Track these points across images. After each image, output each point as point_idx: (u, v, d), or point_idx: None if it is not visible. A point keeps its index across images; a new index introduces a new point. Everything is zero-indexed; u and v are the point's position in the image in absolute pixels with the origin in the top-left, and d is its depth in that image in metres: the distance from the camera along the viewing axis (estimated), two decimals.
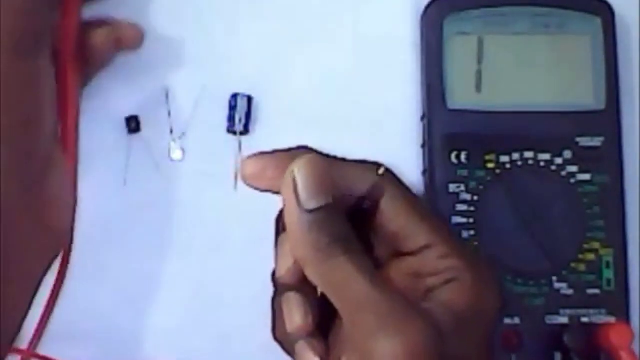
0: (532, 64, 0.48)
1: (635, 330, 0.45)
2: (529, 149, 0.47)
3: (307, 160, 0.33)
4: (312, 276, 0.33)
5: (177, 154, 0.47)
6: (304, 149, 0.35)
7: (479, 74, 0.48)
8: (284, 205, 0.33)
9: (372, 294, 0.31)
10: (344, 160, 0.36)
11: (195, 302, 0.47)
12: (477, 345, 0.32)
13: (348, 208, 0.34)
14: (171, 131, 0.47)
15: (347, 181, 0.34)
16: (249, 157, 0.36)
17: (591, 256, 0.47)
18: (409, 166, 0.48)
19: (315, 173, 0.33)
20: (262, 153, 0.36)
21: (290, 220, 0.33)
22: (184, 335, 0.47)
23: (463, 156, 0.47)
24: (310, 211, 0.32)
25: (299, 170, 0.33)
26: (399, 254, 0.35)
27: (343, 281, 0.31)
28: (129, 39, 0.42)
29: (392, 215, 0.34)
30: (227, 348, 0.47)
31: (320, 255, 0.32)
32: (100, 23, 0.41)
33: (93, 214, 0.46)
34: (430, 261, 0.33)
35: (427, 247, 0.33)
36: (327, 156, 0.35)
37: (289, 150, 0.35)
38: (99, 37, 0.41)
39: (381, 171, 0.34)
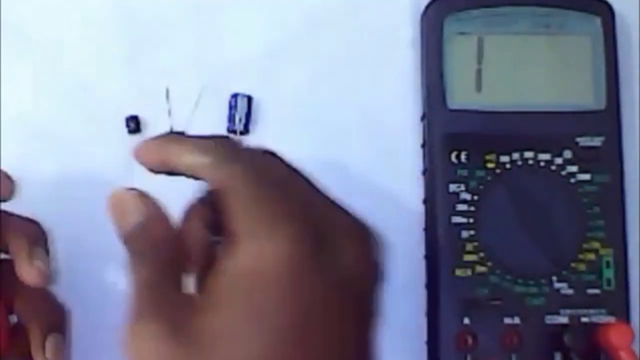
0: (532, 64, 0.48)
1: (635, 330, 0.45)
2: (529, 149, 0.47)
3: (114, 195, 0.35)
4: None
5: None
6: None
7: (479, 74, 0.48)
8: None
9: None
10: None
11: None
12: (249, 313, 0.31)
13: None
14: (171, 131, 0.46)
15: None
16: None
17: (591, 256, 0.47)
18: (409, 166, 0.48)
19: (124, 201, 0.35)
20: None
21: None
22: None
23: (463, 156, 0.47)
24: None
25: (110, 203, 0.35)
26: None
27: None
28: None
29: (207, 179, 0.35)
30: None
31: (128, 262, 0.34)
32: None
33: (93, 214, 0.46)
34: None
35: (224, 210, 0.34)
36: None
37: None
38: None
39: None
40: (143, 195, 0.35)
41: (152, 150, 0.36)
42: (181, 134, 0.40)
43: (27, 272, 0.39)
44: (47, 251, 0.40)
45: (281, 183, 0.34)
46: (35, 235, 0.40)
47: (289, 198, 0.33)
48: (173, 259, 0.34)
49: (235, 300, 0.31)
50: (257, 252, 0.31)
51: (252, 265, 0.31)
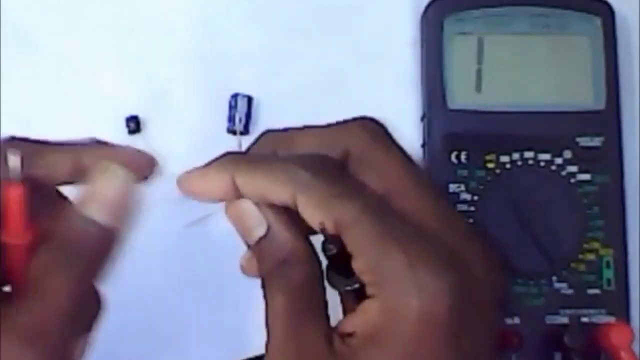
0: (532, 64, 0.48)
1: (635, 330, 0.45)
2: (529, 149, 0.47)
3: (230, 208, 0.33)
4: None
5: None
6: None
7: (479, 74, 0.48)
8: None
9: (276, 326, 0.31)
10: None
11: (195, 300, 0.47)
12: None
13: None
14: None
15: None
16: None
17: (591, 256, 0.47)
18: None
19: (241, 215, 0.33)
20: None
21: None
22: (184, 331, 0.47)
23: (463, 156, 0.47)
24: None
25: (230, 219, 0.33)
26: None
27: (266, 307, 0.32)
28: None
29: (315, 223, 0.31)
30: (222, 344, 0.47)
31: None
32: None
33: None
34: (356, 272, 0.31)
35: (351, 256, 0.31)
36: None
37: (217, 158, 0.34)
38: None
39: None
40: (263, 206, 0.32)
41: (221, 179, 0.32)
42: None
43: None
44: None
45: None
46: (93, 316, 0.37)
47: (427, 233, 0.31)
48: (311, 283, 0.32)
49: (392, 345, 0.29)
50: (397, 307, 0.29)
51: (394, 321, 0.29)
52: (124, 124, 0.48)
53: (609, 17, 0.48)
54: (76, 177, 0.34)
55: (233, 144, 0.48)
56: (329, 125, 0.34)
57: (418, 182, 0.32)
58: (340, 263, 0.31)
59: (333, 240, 0.30)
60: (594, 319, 0.46)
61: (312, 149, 0.33)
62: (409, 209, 0.31)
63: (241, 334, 0.47)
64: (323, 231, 0.30)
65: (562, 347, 0.45)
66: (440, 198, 0.33)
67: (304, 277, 0.32)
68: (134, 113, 0.48)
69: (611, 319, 0.46)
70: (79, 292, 0.32)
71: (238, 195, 0.32)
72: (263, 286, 0.32)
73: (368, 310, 0.30)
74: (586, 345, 0.45)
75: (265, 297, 0.32)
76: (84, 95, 0.49)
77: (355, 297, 0.31)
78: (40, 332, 0.30)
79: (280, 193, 0.31)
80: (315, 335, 0.31)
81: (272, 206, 0.32)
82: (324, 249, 0.31)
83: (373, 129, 0.34)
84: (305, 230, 0.32)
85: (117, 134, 0.48)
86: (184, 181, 0.34)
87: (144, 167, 0.35)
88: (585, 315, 0.46)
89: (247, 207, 0.32)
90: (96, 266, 0.33)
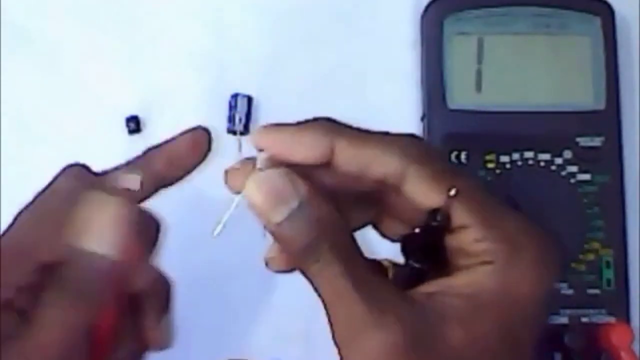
0: (532, 64, 0.48)
1: (635, 330, 0.45)
2: (529, 149, 0.47)
3: (255, 179, 0.31)
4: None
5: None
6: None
7: (479, 74, 0.48)
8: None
9: (346, 295, 0.29)
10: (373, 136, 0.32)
11: (195, 299, 0.47)
12: (500, 334, 0.29)
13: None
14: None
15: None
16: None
17: (591, 256, 0.47)
18: None
19: (270, 186, 0.30)
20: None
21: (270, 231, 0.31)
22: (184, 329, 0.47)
23: (463, 156, 0.47)
24: (279, 223, 0.30)
25: (251, 191, 0.31)
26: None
27: (320, 281, 0.30)
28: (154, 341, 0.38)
29: (422, 197, 0.31)
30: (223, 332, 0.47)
31: (298, 258, 0.30)
32: None
33: None
34: (465, 243, 0.30)
35: (463, 227, 0.30)
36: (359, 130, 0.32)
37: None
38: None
39: (452, 192, 0.31)
40: (293, 174, 0.30)
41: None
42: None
43: (153, 335, 0.36)
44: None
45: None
46: (167, 297, 0.37)
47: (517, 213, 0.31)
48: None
49: (484, 321, 0.29)
50: (515, 274, 0.30)
51: (509, 287, 0.30)
52: (124, 124, 0.48)
53: (609, 17, 0.48)
54: None
55: (233, 144, 0.48)
56: (380, 133, 0.33)
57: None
58: (435, 239, 0.31)
59: (444, 212, 0.30)
60: (594, 319, 0.46)
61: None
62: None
63: (241, 334, 0.47)
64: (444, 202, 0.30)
65: (562, 347, 0.45)
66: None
67: (355, 240, 0.31)
68: (134, 113, 0.48)
69: (611, 319, 0.46)
70: (75, 323, 0.32)
71: (327, 161, 0.31)
72: (303, 269, 0.30)
73: (478, 274, 0.30)
74: (586, 345, 0.45)
75: (312, 275, 0.30)
76: (84, 95, 0.49)
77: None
78: None
79: (390, 164, 0.30)
80: (396, 299, 0.30)
81: (303, 178, 0.30)
82: (433, 218, 0.30)
83: (424, 146, 0.34)
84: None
85: (117, 134, 0.48)
86: (269, 134, 0.32)
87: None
88: (585, 315, 0.46)
89: (280, 177, 0.30)
90: (93, 296, 0.33)
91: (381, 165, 0.30)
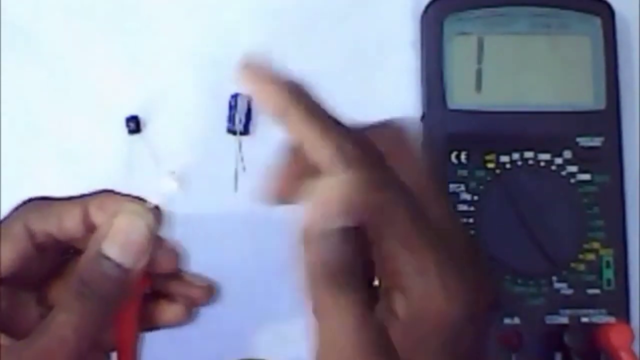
0: (532, 64, 0.48)
1: (635, 330, 0.45)
2: (529, 149, 0.47)
3: (331, 182, 0.30)
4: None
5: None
6: None
7: (479, 74, 0.48)
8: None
9: (352, 337, 0.29)
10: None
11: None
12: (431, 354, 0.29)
13: None
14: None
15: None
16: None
17: (591, 256, 0.47)
18: None
19: (340, 195, 0.29)
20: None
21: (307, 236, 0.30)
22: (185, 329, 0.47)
23: (463, 156, 0.47)
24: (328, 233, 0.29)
25: (321, 191, 0.29)
26: None
27: (335, 313, 0.29)
28: (200, 298, 0.38)
29: None
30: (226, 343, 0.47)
31: (326, 280, 0.30)
32: (169, 295, 0.37)
33: None
34: (378, 259, 0.30)
35: (376, 243, 0.30)
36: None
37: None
38: (169, 312, 0.38)
39: None
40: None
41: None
42: None
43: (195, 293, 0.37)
44: None
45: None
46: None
47: (452, 232, 0.30)
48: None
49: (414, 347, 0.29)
50: (423, 300, 0.29)
51: (419, 313, 0.29)
52: (124, 124, 0.48)
53: (609, 17, 0.48)
54: (87, 229, 0.34)
55: (233, 144, 0.48)
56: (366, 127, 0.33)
57: (436, 191, 0.32)
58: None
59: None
60: (594, 319, 0.46)
61: None
62: (431, 214, 0.31)
63: (242, 334, 0.47)
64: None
65: (562, 347, 0.45)
66: (450, 209, 0.33)
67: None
68: (134, 113, 0.48)
69: (611, 319, 0.46)
70: (88, 326, 0.32)
71: (277, 114, 0.31)
72: (323, 293, 0.29)
73: (390, 300, 0.29)
74: (586, 345, 0.45)
75: (332, 304, 0.29)
76: (84, 95, 0.49)
77: None
78: None
79: (322, 155, 0.30)
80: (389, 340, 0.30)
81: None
82: None
83: (406, 131, 0.34)
84: None
85: (117, 134, 0.48)
86: (249, 67, 0.33)
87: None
88: (585, 315, 0.46)
89: (356, 190, 0.29)
90: (108, 304, 0.33)
91: (316, 150, 0.30)
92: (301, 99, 0.32)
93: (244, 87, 0.32)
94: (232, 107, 0.48)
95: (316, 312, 0.30)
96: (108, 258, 0.33)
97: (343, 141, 0.30)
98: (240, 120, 0.48)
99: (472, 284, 0.30)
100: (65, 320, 0.32)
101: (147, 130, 0.49)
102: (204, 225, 0.48)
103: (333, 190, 0.29)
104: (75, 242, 0.35)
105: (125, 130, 0.48)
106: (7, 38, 0.49)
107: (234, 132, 0.48)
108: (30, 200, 0.36)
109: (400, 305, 0.29)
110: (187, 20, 0.50)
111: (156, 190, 0.35)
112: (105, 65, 0.49)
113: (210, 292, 0.38)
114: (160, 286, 0.37)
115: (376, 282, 0.32)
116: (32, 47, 0.49)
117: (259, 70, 0.33)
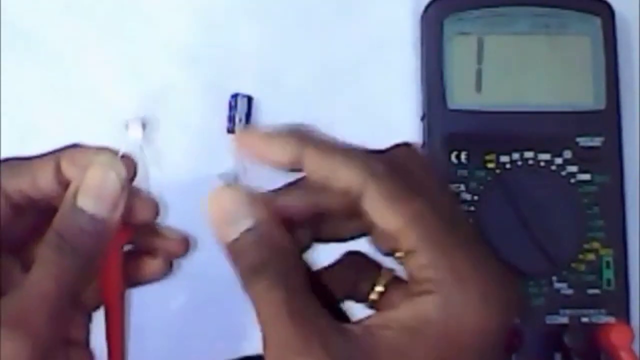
0: (532, 64, 0.48)
1: (635, 330, 0.45)
2: (529, 149, 0.47)
3: (214, 194, 0.33)
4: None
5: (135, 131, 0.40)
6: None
7: (479, 74, 0.48)
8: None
9: (280, 320, 0.30)
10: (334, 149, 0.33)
11: (195, 299, 0.47)
12: None
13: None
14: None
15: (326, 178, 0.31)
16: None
17: (591, 256, 0.47)
18: None
19: (227, 204, 0.32)
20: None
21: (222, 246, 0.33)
22: (181, 334, 0.47)
23: (463, 156, 0.47)
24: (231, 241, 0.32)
25: (209, 205, 0.33)
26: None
27: (260, 303, 0.31)
28: (178, 250, 0.38)
29: (377, 217, 0.31)
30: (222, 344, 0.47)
31: (243, 277, 0.32)
32: (148, 249, 0.37)
33: None
34: (412, 267, 0.30)
35: (410, 252, 0.30)
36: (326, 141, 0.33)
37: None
38: (149, 267, 0.37)
39: None
40: (252, 195, 0.31)
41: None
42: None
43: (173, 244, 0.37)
44: None
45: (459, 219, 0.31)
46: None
47: (476, 243, 0.31)
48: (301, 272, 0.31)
49: (419, 353, 0.29)
50: (458, 305, 0.29)
51: (451, 319, 0.29)
52: (124, 124, 0.48)
53: (609, 17, 0.48)
54: (60, 184, 0.34)
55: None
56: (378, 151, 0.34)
57: (459, 209, 0.34)
58: None
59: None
60: (594, 319, 0.46)
61: None
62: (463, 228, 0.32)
63: (242, 334, 0.47)
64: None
65: (562, 347, 0.45)
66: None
67: (302, 269, 0.32)
68: (134, 113, 0.48)
69: (611, 319, 0.46)
70: (68, 280, 0.32)
71: (296, 168, 0.32)
72: (246, 288, 0.32)
73: (421, 305, 0.30)
74: (586, 345, 0.45)
75: (254, 296, 0.31)
76: (83, 95, 0.49)
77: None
78: (25, 318, 0.31)
79: (351, 177, 0.30)
80: (329, 330, 0.30)
81: (262, 201, 0.32)
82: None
83: (420, 153, 0.34)
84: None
85: (117, 134, 0.48)
86: (245, 136, 0.33)
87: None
88: (585, 315, 0.46)
89: (238, 195, 0.32)
90: (88, 257, 0.33)
91: (344, 175, 0.31)
92: (311, 136, 0.32)
93: (249, 158, 0.33)
94: (232, 107, 0.48)
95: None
96: (83, 211, 0.32)
97: (367, 159, 0.31)
98: (240, 120, 0.48)
99: (506, 292, 0.30)
100: (45, 274, 0.32)
101: (147, 130, 0.49)
102: (204, 225, 0.48)
103: (219, 200, 0.32)
104: (52, 200, 0.35)
105: (125, 130, 0.48)
106: (7, 38, 0.49)
107: (234, 132, 0.48)
108: (2, 161, 0.36)
109: (431, 307, 0.29)
110: (187, 20, 0.50)
111: (124, 138, 0.35)
112: (105, 65, 0.49)
113: (187, 243, 0.37)
114: (139, 241, 0.36)
115: (379, 288, 0.33)
116: (32, 47, 0.50)
117: (256, 133, 0.33)
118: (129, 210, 0.34)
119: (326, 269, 0.36)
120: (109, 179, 0.33)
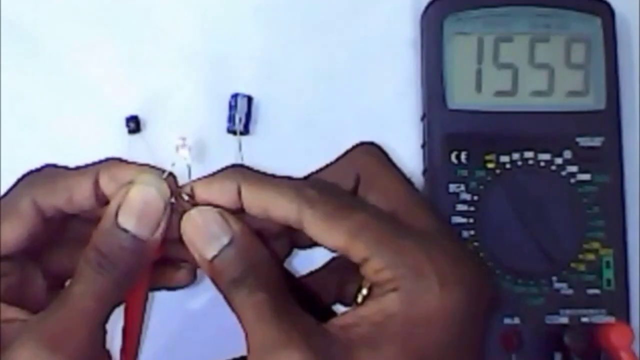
0: (532, 63, 0.48)
1: (635, 330, 0.45)
2: (529, 149, 0.47)
3: (188, 217, 0.34)
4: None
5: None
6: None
7: (479, 74, 0.48)
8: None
9: (265, 320, 0.32)
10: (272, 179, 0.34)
11: (195, 299, 0.47)
12: (407, 356, 0.31)
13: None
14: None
15: (268, 210, 0.33)
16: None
17: (591, 256, 0.47)
18: (409, 166, 0.48)
19: (203, 223, 0.33)
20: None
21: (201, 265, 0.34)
22: (181, 334, 0.47)
23: (463, 156, 0.47)
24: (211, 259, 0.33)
25: (185, 228, 0.34)
26: None
27: (244, 309, 0.32)
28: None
29: (321, 238, 0.33)
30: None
31: (226, 290, 0.33)
32: (175, 259, 0.38)
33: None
34: (370, 274, 0.32)
35: (365, 259, 0.32)
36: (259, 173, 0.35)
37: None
38: (175, 275, 0.39)
39: None
40: (225, 213, 0.33)
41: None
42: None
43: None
44: None
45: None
46: None
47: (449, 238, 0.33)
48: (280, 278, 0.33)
49: (390, 345, 0.31)
50: (419, 296, 0.31)
51: (414, 309, 0.31)
52: (124, 124, 0.48)
53: (609, 17, 0.48)
54: (97, 200, 0.35)
55: (233, 144, 0.48)
56: (338, 158, 0.36)
57: (420, 202, 0.35)
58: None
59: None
60: (594, 319, 0.46)
61: (331, 180, 0.35)
62: (416, 226, 0.33)
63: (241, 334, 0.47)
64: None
65: (562, 347, 0.45)
66: (440, 216, 0.35)
67: (281, 275, 0.33)
68: (134, 113, 0.48)
69: (611, 319, 0.46)
70: (107, 298, 0.32)
71: (239, 206, 0.33)
72: (228, 298, 0.33)
73: (385, 302, 0.31)
74: (586, 345, 0.45)
75: (237, 304, 0.32)
76: (84, 95, 0.49)
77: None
78: (66, 338, 0.31)
79: (286, 207, 0.32)
80: (309, 327, 0.32)
81: (236, 216, 0.33)
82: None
83: (377, 153, 0.36)
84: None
85: (117, 134, 0.48)
86: (196, 184, 0.35)
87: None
88: (585, 315, 0.46)
89: (212, 215, 0.33)
90: (127, 275, 0.33)
91: (279, 209, 0.33)
92: (245, 175, 0.34)
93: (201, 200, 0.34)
94: (232, 107, 0.48)
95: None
96: (125, 230, 0.33)
97: (298, 188, 0.33)
98: (240, 120, 0.48)
99: (469, 280, 0.32)
100: (86, 291, 0.32)
101: (147, 130, 0.49)
102: None
103: (195, 221, 0.33)
104: (84, 213, 0.35)
105: (125, 130, 0.48)
106: (7, 38, 0.49)
107: (234, 132, 0.48)
108: (37, 171, 0.36)
109: (394, 303, 0.31)
110: (187, 20, 0.50)
111: (169, 158, 0.35)
112: (105, 65, 0.49)
113: None
114: (168, 251, 0.37)
115: (364, 291, 0.34)
116: (32, 47, 0.49)
117: (199, 182, 0.35)
118: (167, 227, 0.34)
119: (313, 273, 0.38)
120: (152, 199, 0.34)
